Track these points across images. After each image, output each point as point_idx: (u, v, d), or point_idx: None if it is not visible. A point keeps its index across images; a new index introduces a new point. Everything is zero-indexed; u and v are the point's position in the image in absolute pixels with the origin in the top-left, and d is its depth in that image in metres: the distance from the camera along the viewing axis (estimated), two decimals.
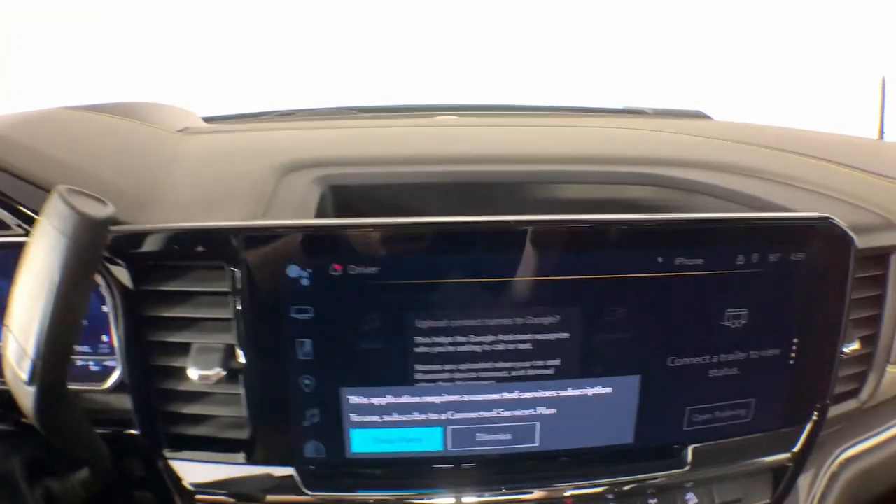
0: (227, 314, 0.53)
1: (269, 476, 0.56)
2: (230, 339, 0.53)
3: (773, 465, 0.62)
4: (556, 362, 0.54)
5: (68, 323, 0.44)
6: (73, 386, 0.60)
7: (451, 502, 0.57)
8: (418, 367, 0.53)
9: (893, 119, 1.06)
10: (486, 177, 0.67)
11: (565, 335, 0.53)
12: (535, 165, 0.69)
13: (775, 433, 0.61)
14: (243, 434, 0.55)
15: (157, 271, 0.55)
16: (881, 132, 1.08)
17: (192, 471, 0.57)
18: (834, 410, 0.66)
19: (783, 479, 0.64)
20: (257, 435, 0.55)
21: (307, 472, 0.56)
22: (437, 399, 0.54)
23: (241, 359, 0.53)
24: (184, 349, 0.55)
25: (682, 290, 0.54)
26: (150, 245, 0.53)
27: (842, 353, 0.61)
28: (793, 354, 0.59)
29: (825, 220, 0.56)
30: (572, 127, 0.94)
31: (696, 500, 0.62)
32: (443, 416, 0.55)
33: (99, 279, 0.57)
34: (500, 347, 0.53)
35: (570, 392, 0.55)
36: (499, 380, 0.54)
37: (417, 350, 0.53)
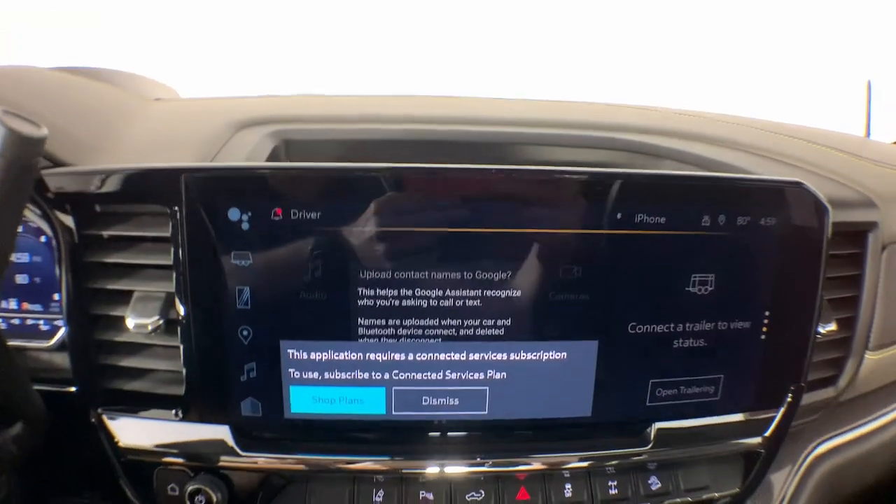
0: (168, 261, 0.51)
1: (202, 435, 0.53)
2: (170, 287, 0.51)
3: (744, 450, 0.58)
4: (507, 322, 0.51)
5: None
6: (20, 343, 0.59)
7: (392, 469, 0.53)
8: (361, 320, 0.50)
9: (879, 123, 1.03)
10: (446, 136, 0.65)
11: (517, 292, 0.50)
12: (498, 127, 0.67)
13: (746, 416, 0.57)
14: (179, 390, 0.53)
15: (101, 217, 0.53)
16: (867, 135, 1.05)
17: (125, 428, 0.54)
18: (809, 398, 0.62)
19: (754, 468, 0.59)
20: (193, 390, 0.52)
21: (242, 431, 0.53)
22: (380, 356, 0.51)
23: (181, 309, 0.51)
24: (125, 298, 0.53)
25: (643, 249, 0.51)
26: (92, 185, 0.51)
27: (818, 333, 0.58)
28: (764, 329, 0.55)
29: (796, 185, 0.53)
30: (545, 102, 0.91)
31: (659, 485, 0.57)
32: (386, 376, 0.52)
33: (45, 227, 0.55)
34: (448, 303, 0.50)
35: (522, 356, 0.52)
36: (445, 338, 0.51)
37: (360, 303, 0.50)
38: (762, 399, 0.57)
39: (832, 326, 0.61)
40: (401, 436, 0.53)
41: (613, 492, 0.56)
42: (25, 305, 0.62)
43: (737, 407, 0.57)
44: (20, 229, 0.63)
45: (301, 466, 0.52)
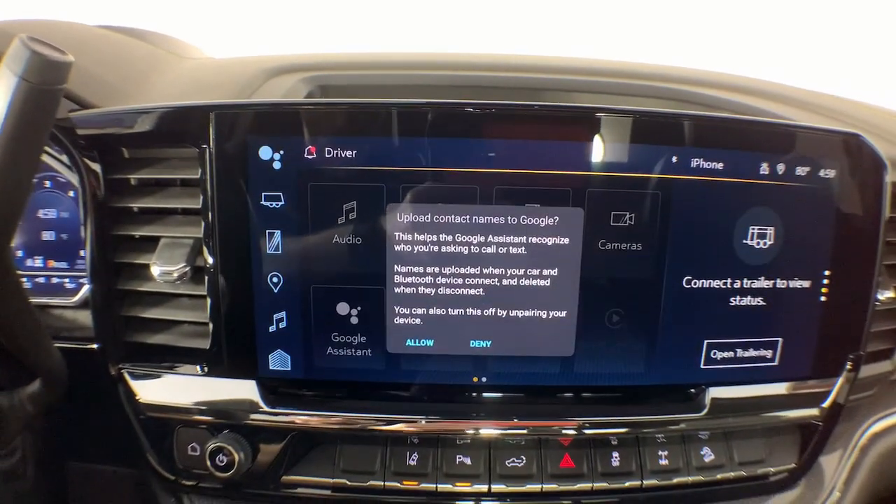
0: (196, 204, 0.46)
1: (226, 390, 0.48)
2: (198, 232, 0.47)
3: (801, 421, 0.52)
4: (554, 272, 0.46)
5: (16, 175, 0.38)
6: (45, 300, 0.55)
7: (428, 431, 0.48)
8: (398, 267, 0.45)
9: None
10: (486, 82, 0.60)
11: (565, 240, 0.45)
12: (540, 74, 0.62)
13: (803, 385, 0.51)
14: (204, 344, 0.48)
15: (128, 162, 0.49)
16: None
17: (146, 385, 0.49)
18: (866, 371, 0.56)
19: (811, 442, 0.53)
20: (218, 343, 0.47)
21: (269, 387, 0.48)
22: (418, 310, 0.46)
23: (208, 256, 0.46)
24: (151, 246, 0.48)
25: (699, 196, 0.46)
26: (120, 126, 0.47)
27: (876, 299, 0.52)
28: (823, 290, 0.49)
29: (855, 137, 0.48)
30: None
31: (712, 457, 0.51)
32: (423, 329, 0.47)
33: (73, 178, 0.52)
34: (490, 250, 0.45)
35: (569, 309, 0.47)
36: (487, 289, 0.46)
37: (397, 248, 0.45)
38: (820, 367, 0.51)
39: (891, 293, 0.55)
40: (438, 394, 0.48)
41: (664, 462, 0.50)
42: (51, 263, 0.58)
43: (794, 375, 0.51)
44: (48, 185, 0.60)
45: (332, 424, 0.47)
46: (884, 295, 0.54)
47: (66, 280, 0.58)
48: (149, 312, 0.49)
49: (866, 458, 0.58)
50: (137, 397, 0.49)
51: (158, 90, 0.57)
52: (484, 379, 0.47)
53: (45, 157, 0.54)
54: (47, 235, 0.59)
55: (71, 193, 0.57)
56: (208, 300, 0.47)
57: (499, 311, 0.46)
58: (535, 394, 0.48)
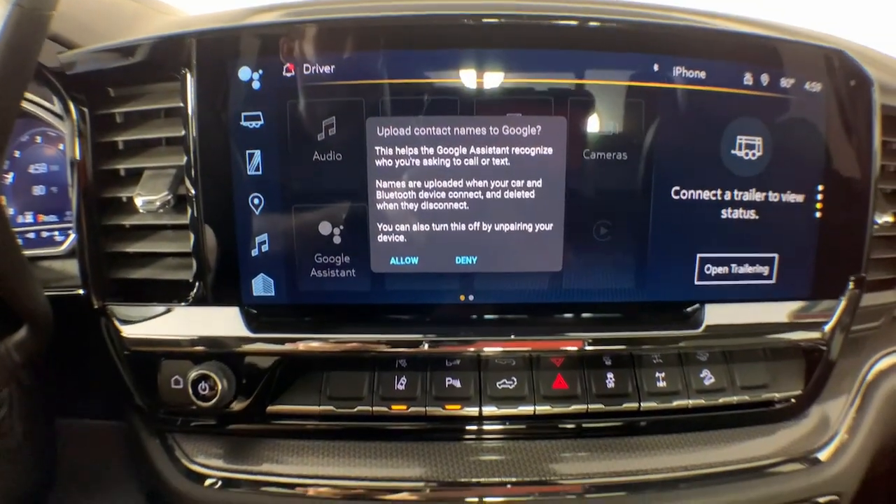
0: (179, 132, 0.46)
1: (210, 319, 0.46)
2: (180, 161, 0.46)
3: (804, 345, 0.49)
4: (538, 183, 0.44)
5: (5, 100, 0.38)
6: (34, 251, 0.54)
7: (416, 351, 0.46)
8: (379, 182, 0.44)
9: None
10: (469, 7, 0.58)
11: (548, 150, 0.44)
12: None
13: (804, 305, 0.49)
14: (187, 275, 0.46)
15: (113, 99, 0.48)
16: None
17: (131, 321, 0.48)
18: (871, 299, 0.54)
19: (816, 369, 0.50)
20: (201, 270, 0.46)
21: (252, 315, 0.46)
22: (402, 227, 0.45)
23: (190, 186, 0.45)
24: (135, 181, 0.47)
25: (683, 104, 0.44)
26: (104, 62, 0.47)
27: (875, 222, 0.50)
28: (818, 206, 0.47)
29: (838, 52, 0.47)
30: None
31: (713, 380, 0.49)
32: (407, 246, 0.45)
33: (64, 128, 0.51)
34: (473, 162, 0.44)
35: (555, 221, 0.45)
36: (471, 203, 0.44)
37: (378, 163, 0.44)
38: (821, 288, 0.49)
39: (889, 218, 0.53)
40: (425, 314, 0.46)
41: (661, 384, 0.47)
42: (41, 217, 0.58)
43: (794, 294, 0.48)
44: (39, 140, 0.60)
45: (317, 349, 0.45)
46: (882, 219, 0.52)
47: (56, 233, 0.57)
48: (133, 247, 0.48)
49: (874, 399, 0.55)
50: (122, 333, 0.48)
51: (137, 33, 0.57)
52: (471, 297, 0.46)
53: (36, 110, 0.54)
54: (38, 190, 0.58)
55: (61, 146, 0.57)
56: (190, 228, 0.46)
57: (483, 225, 0.45)
58: (524, 311, 0.46)
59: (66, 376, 0.55)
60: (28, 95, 0.53)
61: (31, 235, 0.58)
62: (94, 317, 0.49)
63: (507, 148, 0.44)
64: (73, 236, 0.53)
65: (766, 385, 0.49)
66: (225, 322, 0.46)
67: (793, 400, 0.50)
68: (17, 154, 0.57)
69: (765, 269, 0.48)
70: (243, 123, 0.44)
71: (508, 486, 0.45)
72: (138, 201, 0.46)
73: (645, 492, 0.46)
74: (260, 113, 0.44)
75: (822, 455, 0.50)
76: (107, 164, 0.48)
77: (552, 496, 0.45)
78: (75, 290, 0.50)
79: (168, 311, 0.47)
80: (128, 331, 0.48)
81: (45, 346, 0.48)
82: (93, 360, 0.50)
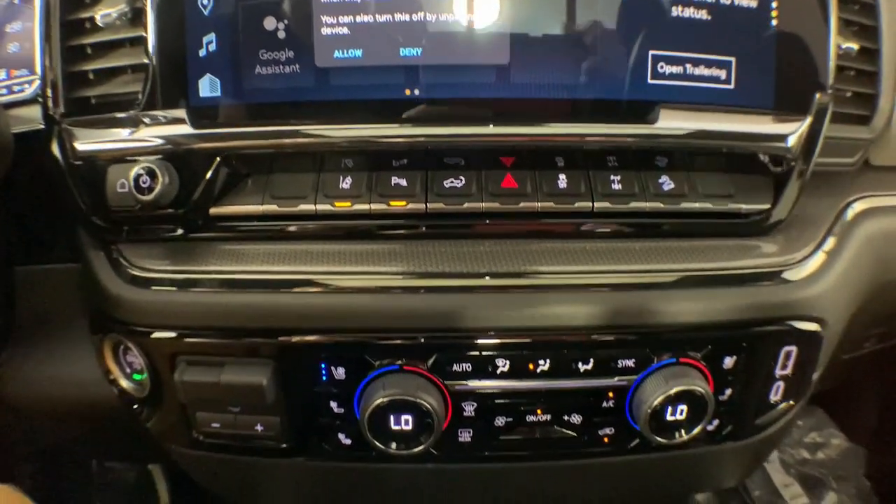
0: None
1: (158, 121, 0.45)
2: None
3: (768, 150, 0.46)
4: None
5: None
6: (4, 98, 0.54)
7: (359, 139, 0.43)
8: None
9: None
10: None
11: None
12: None
13: (768, 117, 0.46)
14: (137, 87, 0.46)
15: None
16: None
17: (84, 137, 0.47)
18: (842, 131, 0.51)
19: (786, 184, 0.47)
20: (153, 78, 0.45)
21: (197, 112, 0.45)
22: (345, 19, 0.43)
23: None
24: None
25: None
26: None
27: (840, 47, 0.48)
28: (773, 13, 0.45)
29: None
30: None
31: (672, 186, 0.46)
32: (351, 39, 0.44)
33: None
34: None
35: None
36: None
37: None
38: (784, 101, 0.46)
39: (853, 45, 0.51)
40: (370, 110, 0.44)
41: (617, 187, 0.45)
42: (13, 72, 0.58)
43: (756, 103, 0.46)
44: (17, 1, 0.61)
45: (260, 145, 0.43)
46: (846, 45, 0.50)
47: (26, 84, 0.57)
48: (92, 65, 0.48)
49: (855, 234, 0.51)
50: (74, 145, 0.47)
51: None
52: (417, 92, 0.44)
53: None
54: (12, 48, 0.59)
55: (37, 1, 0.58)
56: (146, 40, 0.45)
57: (429, 15, 0.43)
58: (471, 106, 0.44)
59: (23, 223, 0.54)
60: None
61: (4, 91, 0.58)
62: (50, 141, 0.48)
63: None
64: (38, 83, 0.53)
65: (731, 195, 0.46)
66: (171, 125, 0.45)
67: (763, 214, 0.47)
68: None
69: (722, 73, 0.45)
70: None
71: (450, 281, 0.42)
72: (97, 16, 0.46)
73: (598, 291, 0.43)
74: None
75: (800, 270, 0.46)
76: None
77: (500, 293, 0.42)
78: (36, 127, 0.50)
79: (118, 120, 0.46)
80: (80, 144, 0.47)
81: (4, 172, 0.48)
82: (48, 203, 0.50)
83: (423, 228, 0.45)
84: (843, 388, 0.98)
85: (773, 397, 0.49)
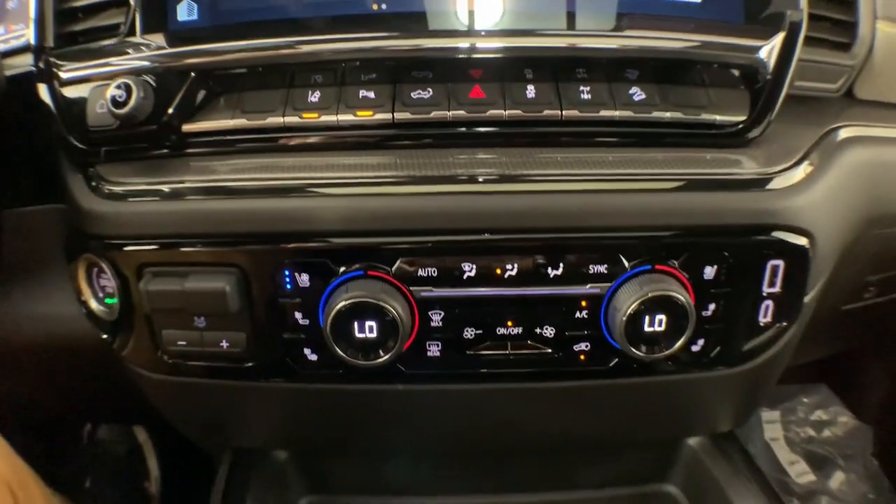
0: None
1: (138, 48, 0.46)
2: None
3: (741, 60, 0.45)
4: None
5: None
6: None
7: (330, 52, 0.44)
8: None
9: None
10: None
11: None
12: None
13: (739, 30, 0.45)
14: (121, 19, 0.47)
15: None
16: None
17: (68, 65, 0.48)
18: (822, 55, 0.50)
19: (761, 97, 0.46)
20: (135, 6, 0.47)
21: (174, 34, 0.46)
22: None
23: None
24: None
25: None
26: None
27: None
28: None
29: None
30: None
31: (643, 96, 0.45)
32: None
33: None
34: None
35: None
36: None
37: None
38: (755, 15, 0.46)
39: None
40: (340, 23, 0.44)
41: (586, 97, 0.44)
42: (11, 27, 0.61)
43: (725, 17, 0.45)
44: None
45: (230, 56, 0.44)
46: None
47: (22, 38, 0.60)
48: (79, 2, 0.50)
49: (840, 160, 0.49)
50: (59, 74, 0.48)
51: None
52: (384, 6, 0.45)
53: None
54: (11, 4, 0.62)
55: None
56: None
57: None
58: (438, 16, 0.44)
59: (9, 158, 0.55)
60: None
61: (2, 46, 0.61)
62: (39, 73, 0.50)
63: None
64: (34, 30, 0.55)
65: (704, 106, 0.45)
66: (149, 48, 0.46)
67: (738, 126, 0.45)
68: None
69: None
70: None
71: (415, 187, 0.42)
72: None
73: (566, 194, 0.42)
74: None
75: (783, 179, 0.44)
76: None
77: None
78: (28, 68, 0.52)
79: (101, 48, 0.48)
80: (64, 72, 0.48)
81: None
82: (35, 131, 0.51)
83: (391, 139, 0.45)
84: (849, 365, 0.93)
85: (763, 319, 0.46)
